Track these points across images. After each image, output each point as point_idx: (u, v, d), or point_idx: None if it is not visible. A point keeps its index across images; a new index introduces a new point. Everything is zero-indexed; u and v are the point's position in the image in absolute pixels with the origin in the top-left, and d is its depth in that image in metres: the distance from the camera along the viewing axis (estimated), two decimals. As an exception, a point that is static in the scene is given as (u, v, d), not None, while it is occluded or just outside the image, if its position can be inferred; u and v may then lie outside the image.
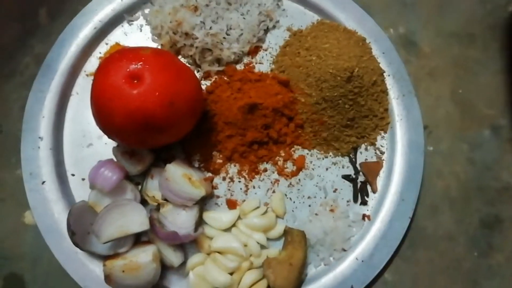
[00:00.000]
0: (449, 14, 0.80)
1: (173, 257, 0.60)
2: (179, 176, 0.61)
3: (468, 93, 0.75)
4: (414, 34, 0.78)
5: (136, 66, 0.55)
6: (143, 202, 0.63)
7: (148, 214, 0.60)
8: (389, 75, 0.73)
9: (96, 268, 0.61)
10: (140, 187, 0.65)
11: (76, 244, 0.59)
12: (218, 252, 0.63)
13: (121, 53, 0.57)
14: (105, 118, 0.56)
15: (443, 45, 0.78)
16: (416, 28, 0.79)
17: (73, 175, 0.67)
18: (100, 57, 0.72)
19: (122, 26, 0.74)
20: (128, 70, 0.55)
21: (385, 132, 0.72)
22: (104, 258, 0.60)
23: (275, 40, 0.76)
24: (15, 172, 0.67)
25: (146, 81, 0.54)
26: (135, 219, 0.59)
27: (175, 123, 0.57)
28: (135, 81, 0.54)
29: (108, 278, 0.58)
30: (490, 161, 0.72)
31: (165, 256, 0.60)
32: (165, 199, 0.63)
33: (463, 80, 0.76)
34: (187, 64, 0.72)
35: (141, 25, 0.75)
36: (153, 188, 0.64)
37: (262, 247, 0.65)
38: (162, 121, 0.55)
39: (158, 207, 0.64)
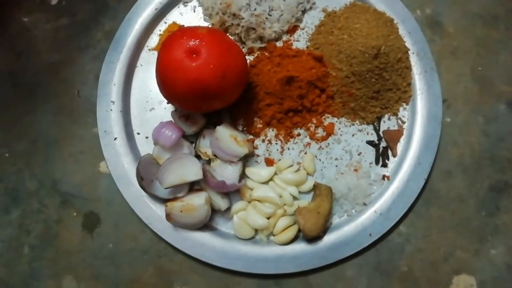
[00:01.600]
0: None
1: (221, 203, 0.70)
2: (227, 137, 0.70)
3: (488, 71, 0.79)
4: (440, 15, 0.82)
5: (195, 42, 0.64)
6: (197, 157, 0.72)
7: (201, 167, 0.70)
8: (413, 53, 0.78)
9: (158, 210, 0.72)
10: (194, 145, 0.74)
11: (143, 188, 0.70)
12: (258, 201, 0.71)
13: (182, 32, 0.66)
14: (168, 87, 0.66)
15: (467, 25, 0.82)
16: (442, 9, 0.83)
17: (138, 133, 0.77)
18: (160, 34, 0.81)
19: (178, 7, 0.82)
20: (188, 46, 0.63)
21: (407, 104, 0.77)
22: (165, 201, 0.71)
23: (311, 20, 0.81)
24: (91, 130, 0.78)
25: (203, 55, 0.63)
26: (191, 170, 0.69)
27: (225, 92, 0.67)
28: (194, 56, 0.63)
29: (168, 216, 0.69)
30: (504, 133, 0.77)
31: (214, 201, 0.70)
32: (215, 155, 0.72)
33: (484, 59, 0.80)
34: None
35: (195, 6, 0.82)
36: (205, 145, 0.73)
37: (294, 198, 0.72)
38: (215, 90, 0.64)
39: (209, 162, 0.73)
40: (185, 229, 0.71)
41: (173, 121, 0.75)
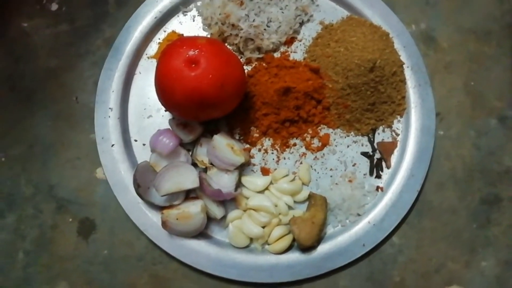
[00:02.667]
0: (468, 13, 0.85)
1: (217, 211, 0.71)
2: (224, 145, 0.71)
3: (480, 86, 0.81)
4: (434, 30, 0.84)
5: (194, 52, 0.64)
6: (193, 165, 0.73)
7: (198, 175, 0.70)
8: (408, 67, 0.79)
9: (154, 217, 0.72)
10: (191, 153, 0.75)
11: (139, 195, 0.70)
12: (253, 209, 0.72)
13: (181, 41, 0.67)
14: (167, 95, 0.67)
15: (460, 41, 0.83)
16: (436, 24, 0.84)
17: (135, 140, 0.77)
18: (159, 43, 0.82)
19: (178, 16, 0.83)
20: (187, 55, 0.64)
21: (401, 117, 0.78)
22: (161, 208, 0.71)
23: (308, 32, 0.83)
24: (89, 136, 0.78)
25: (202, 65, 0.64)
26: (188, 178, 0.69)
27: (224, 102, 0.68)
28: (193, 65, 0.64)
29: (164, 223, 0.69)
30: (494, 147, 0.78)
31: (209, 209, 0.70)
32: (211, 164, 0.73)
33: (476, 74, 0.81)
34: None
35: (194, 16, 0.83)
36: (201, 154, 0.74)
37: (289, 207, 0.73)
38: (213, 99, 0.65)
39: (205, 170, 0.73)
40: (181, 237, 0.71)
41: (170, 129, 0.75)
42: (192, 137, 0.74)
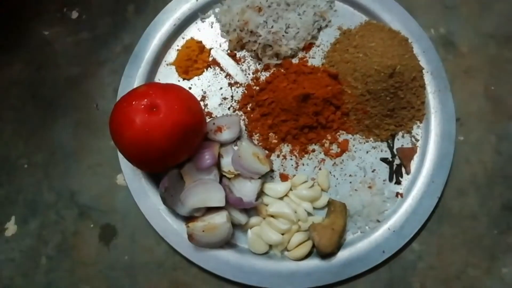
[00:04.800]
0: (488, 17, 0.84)
1: (241, 217, 0.71)
2: (249, 154, 0.71)
3: (500, 90, 0.80)
4: (453, 34, 0.83)
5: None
6: (221, 178, 0.73)
7: (225, 195, 0.69)
8: (427, 72, 0.79)
9: (174, 223, 0.72)
10: None
11: (163, 198, 0.69)
12: (272, 216, 0.72)
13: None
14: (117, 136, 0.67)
15: (480, 45, 0.83)
16: (455, 29, 0.84)
17: None
18: (177, 49, 0.82)
19: (196, 23, 0.84)
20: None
21: (421, 122, 0.78)
22: (185, 219, 0.71)
23: (326, 38, 0.83)
24: (109, 143, 0.77)
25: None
26: (215, 196, 0.69)
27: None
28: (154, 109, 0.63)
29: (190, 236, 0.69)
30: None
31: (233, 217, 0.70)
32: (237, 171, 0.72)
33: (496, 78, 0.81)
34: (250, 57, 0.82)
35: (212, 23, 0.84)
36: (226, 164, 0.73)
37: (309, 214, 0.73)
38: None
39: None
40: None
41: (213, 144, 0.74)
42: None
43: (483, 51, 0.83)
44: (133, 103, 0.64)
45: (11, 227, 0.77)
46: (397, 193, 0.75)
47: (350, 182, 0.76)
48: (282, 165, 0.77)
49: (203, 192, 0.69)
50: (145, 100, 0.64)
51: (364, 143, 0.78)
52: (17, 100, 0.83)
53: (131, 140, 0.63)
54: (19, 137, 0.81)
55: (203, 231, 0.69)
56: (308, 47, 0.82)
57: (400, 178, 0.76)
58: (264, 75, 0.81)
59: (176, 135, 0.64)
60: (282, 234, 0.71)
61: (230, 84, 0.81)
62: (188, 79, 0.82)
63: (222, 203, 0.69)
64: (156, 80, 0.82)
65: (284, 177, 0.76)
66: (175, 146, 0.65)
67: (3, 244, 0.76)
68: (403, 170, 0.77)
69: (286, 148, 0.78)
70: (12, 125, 0.82)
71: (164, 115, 0.63)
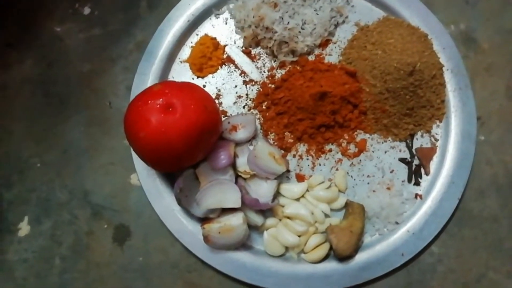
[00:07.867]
0: (509, 13, 0.82)
1: (257, 218, 0.69)
2: (265, 154, 0.70)
3: None
4: (474, 31, 0.81)
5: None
6: (237, 178, 0.71)
7: (240, 196, 0.68)
8: (447, 69, 0.77)
9: (189, 224, 0.71)
10: None
11: (178, 199, 0.68)
12: (289, 218, 0.71)
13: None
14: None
15: (501, 42, 0.81)
16: (476, 25, 0.82)
17: None
18: (191, 46, 0.81)
19: (210, 19, 0.82)
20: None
21: (440, 122, 0.76)
22: (199, 220, 0.70)
23: (343, 34, 0.81)
24: (122, 142, 0.77)
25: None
26: (231, 197, 0.68)
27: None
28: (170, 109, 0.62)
29: (206, 238, 0.68)
30: None
31: (250, 218, 0.69)
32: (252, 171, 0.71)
33: None
34: (265, 54, 0.80)
35: (227, 19, 0.82)
36: (242, 164, 0.72)
37: (326, 215, 0.72)
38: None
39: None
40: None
41: (228, 143, 0.73)
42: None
43: (505, 48, 0.81)
44: (149, 102, 0.62)
45: (24, 227, 0.76)
46: (416, 195, 0.74)
47: (368, 183, 0.75)
48: (298, 165, 0.76)
49: (219, 192, 0.68)
50: (161, 99, 0.62)
51: (382, 143, 0.77)
52: (28, 97, 0.82)
53: (147, 140, 0.62)
54: (30, 136, 0.80)
55: (219, 232, 0.67)
56: (324, 43, 0.81)
57: (419, 179, 0.75)
58: (279, 73, 0.79)
59: (192, 136, 0.63)
60: (299, 236, 0.70)
61: (245, 82, 0.80)
62: (202, 77, 0.80)
63: (238, 204, 0.68)
64: (170, 78, 0.80)
65: (300, 178, 0.75)
66: (191, 146, 0.63)
67: (16, 244, 0.75)
68: (423, 170, 0.75)
69: (302, 148, 0.76)
70: (23, 124, 0.81)
71: (180, 115, 0.62)
